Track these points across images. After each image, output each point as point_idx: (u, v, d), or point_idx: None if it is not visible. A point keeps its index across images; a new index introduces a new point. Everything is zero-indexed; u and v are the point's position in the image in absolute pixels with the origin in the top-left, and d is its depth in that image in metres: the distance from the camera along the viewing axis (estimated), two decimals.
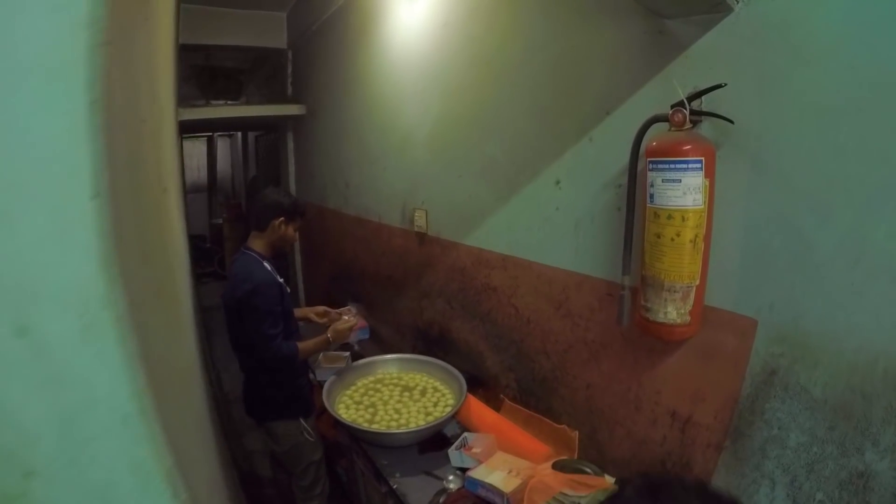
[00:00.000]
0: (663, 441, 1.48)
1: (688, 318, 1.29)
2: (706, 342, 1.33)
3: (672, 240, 1.26)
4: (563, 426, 1.79)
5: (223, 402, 3.34)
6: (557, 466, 1.64)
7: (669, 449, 1.47)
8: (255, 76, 5.64)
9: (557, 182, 1.76)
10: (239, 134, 8.67)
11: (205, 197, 9.51)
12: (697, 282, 1.27)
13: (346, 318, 2.46)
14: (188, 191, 8.51)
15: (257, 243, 2.29)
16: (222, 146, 9.54)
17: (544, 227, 1.84)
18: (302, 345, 2.23)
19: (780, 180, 1.15)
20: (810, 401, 1.13)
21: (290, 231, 2.34)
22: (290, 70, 4.78)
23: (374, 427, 2.01)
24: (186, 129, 5.02)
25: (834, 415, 1.09)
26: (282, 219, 2.28)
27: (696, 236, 1.24)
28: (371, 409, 2.14)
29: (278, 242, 2.34)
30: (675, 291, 1.28)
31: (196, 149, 9.48)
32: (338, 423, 2.04)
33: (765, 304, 1.21)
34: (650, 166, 1.28)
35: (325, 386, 2.21)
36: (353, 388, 2.32)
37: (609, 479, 1.61)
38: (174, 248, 1.41)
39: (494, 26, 1.98)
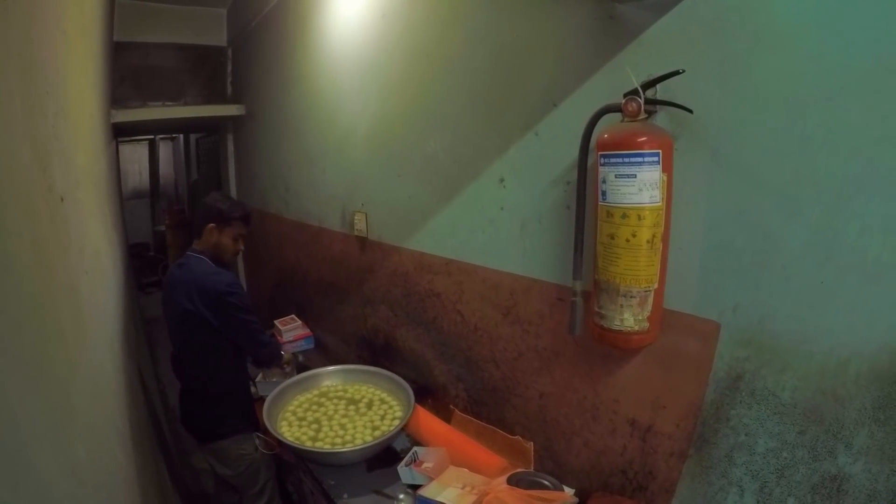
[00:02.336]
0: (623, 451, 1.33)
1: (646, 325, 1.13)
2: (666, 348, 1.18)
3: (627, 241, 1.09)
4: (517, 437, 1.61)
5: (167, 418, 3.04)
6: (513, 480, 1.47)
7: (630, 458, 1.32)
8: (196, 76, 5.25)
9: (502, 180, 1.57)
10: (181, 137, 8.07)
11: (147, 203, 8.84)
12: (656, 285, 1.11)
13: None
14: (129, 197, 7.90)
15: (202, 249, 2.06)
16: (165, 150, 8.86)
17: (488, 229, 1.64)
18: None
19: (743, 174, 1.01)
20: (779, 405, 1.01)
21: (225, 239, 2.04)
22: (229, 69, 4.42)
23: (318, 446, 1.79)
24: (123, 132, 4.55)
25: (804, 419, 0.98)
26: (212, 225, 2.00)
27: (654, 236, 1.08)
28: (315, 426, 1.91)
29: (216, 252, 2.05)
30: (631, 297, 1.11)
31: (137, 153, 8.79)
32: (281, 442, 1.81)
33: (728, 306, 1.07)
34: (602, 161, 1.11)
35: (266, 402, 1.96)
36: (296, 402, 2.07)
37: (569, 491, 1.45)
38: (76, 257, 1.27)
39: (434, 15, 1.76)
